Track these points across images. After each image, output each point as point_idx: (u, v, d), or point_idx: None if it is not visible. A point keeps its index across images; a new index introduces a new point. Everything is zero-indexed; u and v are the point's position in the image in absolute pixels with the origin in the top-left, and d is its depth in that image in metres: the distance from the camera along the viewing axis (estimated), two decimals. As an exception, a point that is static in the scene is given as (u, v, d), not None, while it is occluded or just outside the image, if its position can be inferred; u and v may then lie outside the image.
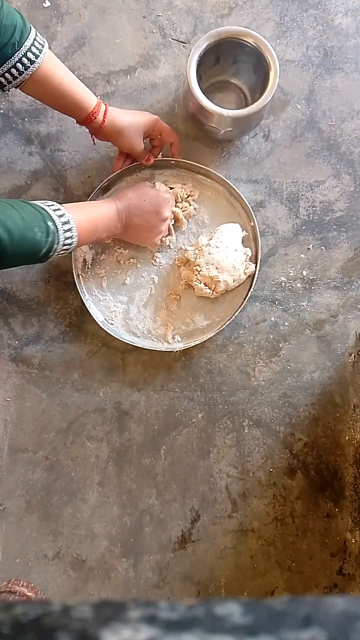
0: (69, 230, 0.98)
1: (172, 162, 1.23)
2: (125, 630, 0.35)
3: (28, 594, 1.17)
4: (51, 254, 0.97)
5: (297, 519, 1.25)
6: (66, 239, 0.97)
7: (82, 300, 1.19)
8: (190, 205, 1.24)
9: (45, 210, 0.94)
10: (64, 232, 0.97)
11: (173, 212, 1.22)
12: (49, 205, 0.96)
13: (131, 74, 1.28)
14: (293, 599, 0.39)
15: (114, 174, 1.21)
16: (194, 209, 1.25)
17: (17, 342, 1.25)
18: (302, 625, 0.36)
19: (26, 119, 1.27)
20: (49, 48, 0.99)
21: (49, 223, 0.93)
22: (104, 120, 1.06)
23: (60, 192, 1.26)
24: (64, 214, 0.97)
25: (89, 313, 1.19)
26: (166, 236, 1.24)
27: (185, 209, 1.24)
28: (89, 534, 1.23)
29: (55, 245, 0.96)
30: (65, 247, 0.99)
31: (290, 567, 1.24)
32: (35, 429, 1.24)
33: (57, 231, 0.95)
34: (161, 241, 1.24)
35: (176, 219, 1.24)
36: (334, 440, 1.26)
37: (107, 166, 1.26)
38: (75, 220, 0.99)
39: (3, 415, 1.24)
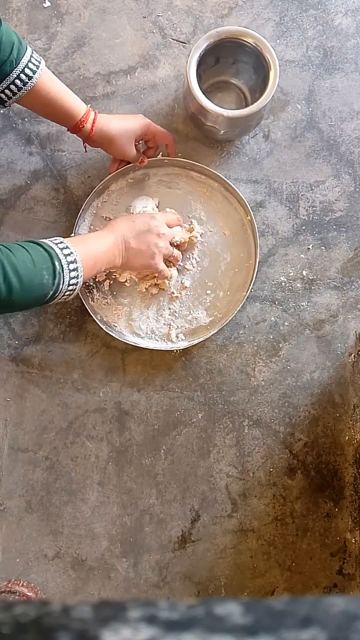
0: (75, 269, 0.96)
1: (166, 161, 1.23)
2: (125, 630, 0.35)
3: (28, 593, 1.17)
4: (56, 295, 0.95)
5: (297, 519, 1.25)
6: (71, 278, 0.96)
7: (82, 300, 1.19)
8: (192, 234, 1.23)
9: (53, 249, 0.93)
10: (69, 272, 0.95)
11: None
12: (56, 243, 0.95)
13: (131, 74, 1.28)
14: (293, 598, 0.39)
15: (109, 176, 1.21)
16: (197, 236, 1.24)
17: (17, 342, 1.25)
18: (302, 625, 0.36)
19: (26, 119, 1.27)
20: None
21: (56, 263, 0.92)
22: (92, 128, 1.07)
23: (60, 192, 1.26)
24: (71, 253, 0.96)
25: (89, 313, 1.19)
26: (173, 262, 1.22)
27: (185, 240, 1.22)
28: (89, 533, 1.23)
29: (61, 286, 0.94)
30: (70, 288, 0.97)
31: (290, 567, 1.24)
32: (35, 428, 1.24)
33: (63, 271, 0.93)
34: (169, 262, 1.21)
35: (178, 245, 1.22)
36: (333, 440, 1.26)
37: (107, 166, 1.25)
38: (80, 256, 0.98)
39: (3, 415, 1.24)
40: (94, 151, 1.25)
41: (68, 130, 1.09)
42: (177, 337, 1.23)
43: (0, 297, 0.85)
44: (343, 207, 1.28)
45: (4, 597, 1.16)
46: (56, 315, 1.25)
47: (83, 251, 0.99)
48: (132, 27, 1.28)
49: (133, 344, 1.21)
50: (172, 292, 1.23)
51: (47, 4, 1.28)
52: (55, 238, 0.98)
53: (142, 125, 1.14)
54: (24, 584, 1.19)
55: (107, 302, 1.23)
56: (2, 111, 1.27)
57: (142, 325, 1.23)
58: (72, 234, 1.20)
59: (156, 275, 1.19)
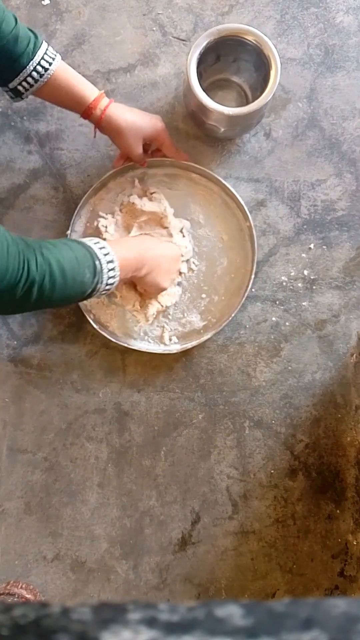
0: (113, 269, 0.98)
1: (167, 161, 1.22)
2: (125, 632, 0.35)
3: (27, 595, 1.17)
4: (94, 293, 0.98)
5: (298, 521, 1.24)
6: (109, 278, 0.98)
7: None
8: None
9: (92, 249, 0.96)
10: (108, 272, 0.97)
11: None
12: (95, 243, 0.98)
13: (131, 72, 1.27)
14: (294, 600, 0.39)
15: (109, 173, 1.21)
16: None
17: (16, 343, 1.25)
18: (303, 627, 0.36)
19: (25, 118, 1.26)
20: (49, 47, 1.00)
21: (96, 262, 0.95)
22: (102, 114, 1.07)
23: (60, 191, 1.26)
24: (108, 253, 0.98)
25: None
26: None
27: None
28: (89, 535, 1.22)
29: (99, 285, 0.97)
30: (107, 287, 1.00)
31: (291, 568, 1.23)
32: (34, 429, 1.24)
33: (102, 270, 0.96)
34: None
35: None
36: (335, 441, 1.25)
37: (106, 165, 1.25)
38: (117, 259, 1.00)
39: (2, 416, 1.24)
40: (94, 150, 1.25)
41: (80, 116, 1.09)
42: (170, 339, 1.22)
43: (44, 294, 0.86)
44: (345, 206, 1.27)
45: (2, 599, 1.16)
46: (55, 315, 1.25)
47: (120, 257, 1.01)
48: (132, 24, 1.28)
49: (125, 345, 1.20)
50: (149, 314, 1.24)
51: (47, 1, 1.28)
52: (92, 238, 1.00)
53: (155, 129, 1.13)
54: (23, 585, 1.19)
55: (101, 302, 1.22)
56: (0, 110, 1.26)
57: (134, 327, 1.22)
58: (69, 231, 1.20)
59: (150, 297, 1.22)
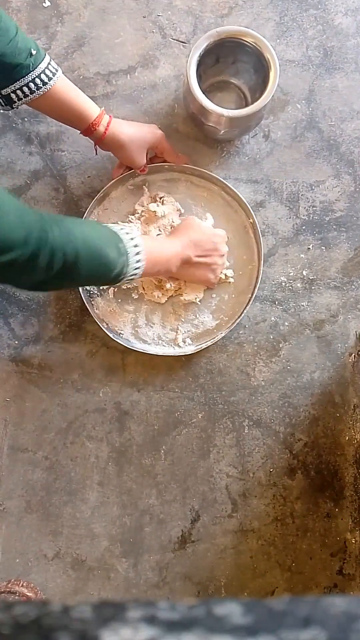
0: (138, 253, 0.97)
1: (166, 166, 1.22)
2: (125, 631, 0.35)
3: (28, 594, 1.17)
4: (121, 277, 0.97)
5: (297, 519, 1.24)
6: (136, 261, 0.97)
7: (83, 300, 1.19)
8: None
9: (116, 232, 0.96)
10: (135, 255, 0.97)
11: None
12: (120, 229, 0.97)
13: (131, 74, 1.28)
14: (293, 599, 0.39)
15: (111, 182, 1.21)
16: None
17: (17, 342, 1.25)
18: (302, 625, 0.36)
19: (26, 119, 1.26)
20: (49, 49, 1.00)
21: (120, 245, 0.94)
22: (105, 131, 1.08)
23: (60, 192, 1.26)
24: (134, 237, 0.97)
25: (89, 313, 1.19)
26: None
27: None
28: (89, 534, 1.23)
29: (126, 268, 0.96)
30: (134, 272, 0.98)
31: (290, 567, 1.23)
32: (35, 429, 1.24)
33: (128, 253, 0.95)
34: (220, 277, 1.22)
35: None
36: (334, 440, 1.26)
37: (107, 166, 1.26)
38: (144, 246, 0.99)
39: (3, 415, 1.24)
40: (94, 150, 1.25)
41: (80, 133, 1.10)
42: (184, 341, 1.22)
43: (67, 263, 0.84)
44: (343, 207, 1.27)
45: (3, 598, 1.16)
46: (56, 315, 1.25)
47: (148, 244, 1.01)
48: (132, 26, 1.28)
49: (141, 350, 1.20)
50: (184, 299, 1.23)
51: (47, 3, 1.28)
52: (116, 224, 1.01)
53: (155, 137, 1.15)
54: (24, 584, 1.19)
55: (112, 310, 1.22)
56: (1, 111, 1.26)
57: (148, 332, 1.22)
58: None
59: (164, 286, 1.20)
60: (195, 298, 1.22)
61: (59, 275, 0.85)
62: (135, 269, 0.98)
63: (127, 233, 0.97)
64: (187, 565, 1.23)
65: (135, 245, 0.97)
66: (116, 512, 1.23)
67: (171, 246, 1.09)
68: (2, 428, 1.24)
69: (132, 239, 0.97)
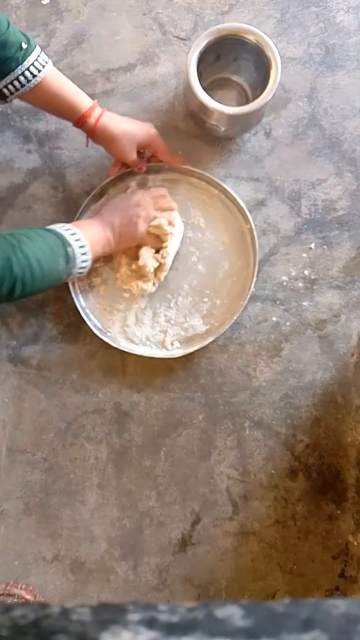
0: (85, 254, 1.04)
1: (166, 167, 1.22)
2: (125, 633, 0.35)
3: (26, 596, 1.17)
4: (68, 278, 1.06)
5: (299, 521, 1.24)
6: (82, 262, 1.04)
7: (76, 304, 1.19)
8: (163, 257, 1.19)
9: (64, 236, 1.01)
10: (82, 255, 1.03)
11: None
12: (65, 230, 1.02)
13: (131, 71, 1.27)
14: (294, 601, 0.39)
15: (107, 180, 1.21)
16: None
17: (15, 343, 1.25)
18: (303, 628, 0.36)
19: (24, 117, 1.26)
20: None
21: (68, 249, 1.00)
22: (96, 123, 1.08)
23: (59, 191, 1.26)
24: (79, 239, 1.04)
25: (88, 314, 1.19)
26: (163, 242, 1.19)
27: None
28: (88, 536, 1.22)
29: (73, 270, 1.03)
30: (80, 271, 1.06)
31: (291, 569, 1.23)
32: (33, 430, 1.24)
33: (75, 257, 1.02)
34: (160, 259, 1.19)
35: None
36: (336, 441, 1.25)
37: (106, 164, 1.25)
38: (87, 241, 1.05)
39: (1, 416, 1.24)
40: (93, 149, 1.24)
41: (73, 124, 1.10)
42: (172, 344, 1.22)
43: (25, 288, 0.92)
44: (345, 205, 1.27)
45: (2, 600, 1.16)
46: (55, 315, 1.25)
47: (89, 238, 1.06)
48: (132, 24, 1.28)
49: (127, 350, 1.20)
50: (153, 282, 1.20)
51: (46, 1, 1.27)
52: (62, 225, 1.05)
53: (148, 134, 1.14)
54: (23, 586, 1.18)
55: (103, 308, 1.22)
56: (0, 109, 1.26)
57: (137, 332, 1.22)
58: None
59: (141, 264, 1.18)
60: (149, 259, 1.18)
61: (16, 298, 0.94)
62: (82, 268, 1.06)
63: (73, 234, 1.03)
64: (188, 568, 1.22)
65: (82, 246, 1.03)
66: (116, 514, 1.23)
67: (97, 225, 1.12)
68: (0, 429, 1.24)
69: (77, 240, 1.03)
